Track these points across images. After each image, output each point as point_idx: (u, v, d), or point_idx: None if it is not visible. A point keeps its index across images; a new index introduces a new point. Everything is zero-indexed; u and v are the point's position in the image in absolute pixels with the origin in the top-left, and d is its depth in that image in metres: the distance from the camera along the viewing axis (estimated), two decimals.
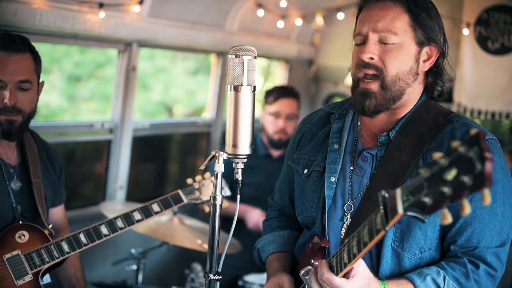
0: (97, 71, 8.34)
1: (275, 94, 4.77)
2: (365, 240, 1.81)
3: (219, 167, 2.05)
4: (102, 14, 3.72)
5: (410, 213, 1.60)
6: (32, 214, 3.02)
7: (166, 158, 5.78)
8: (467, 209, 1.44)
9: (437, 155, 1.50)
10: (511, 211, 2.13)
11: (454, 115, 2.22)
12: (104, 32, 3.89)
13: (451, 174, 1.45)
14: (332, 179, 2.27)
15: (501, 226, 2.12)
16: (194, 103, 8.51)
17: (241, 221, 4.48)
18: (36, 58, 2.98)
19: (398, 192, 1.64)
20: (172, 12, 4.39)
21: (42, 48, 3.24)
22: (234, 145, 2.05)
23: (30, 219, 3.00)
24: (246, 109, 2.04)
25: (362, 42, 2.21)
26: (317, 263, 2.22)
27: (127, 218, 3.04)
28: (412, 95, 2.23)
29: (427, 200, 1.52)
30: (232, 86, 2.03)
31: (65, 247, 2.91)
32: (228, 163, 2.10)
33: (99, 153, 5.10)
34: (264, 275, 2.46)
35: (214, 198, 2.07)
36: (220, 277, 2.08)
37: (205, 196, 3.22)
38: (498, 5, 4.98)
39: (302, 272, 2.12)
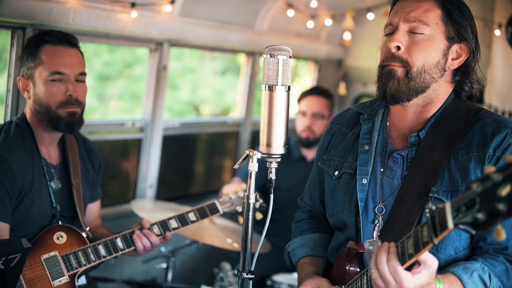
0: (126, 71, 8.42)
1: (304, 93, 4.91)
2: (410, 252, 1.79)
3: (253, 166, 2.06)
4: (134, 13, 3.75)
5: (461, 227, 1.57)
6: (71, 214, 3.05)
7: (193, 158, 5.80)
8: None
9: (489, 169, 1.48)
10: None
11: (485, 112, 2.20)
12: (135, 31, 3.92)
13: (505, 190, 1.43)
14: (364, 181, 2.26)
15: None
16: (221, 103, 8.53)
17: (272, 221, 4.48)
18: (81, 52, 3.03)
19: (448, 206, 1.62)
20: (203, 12, 4.41)
21: None
22: (268, 145, 2.05)
23: (68, 219, 3.03)
24: (281, 109, 2.04)
25: (391, 32, 2.21)
26: (353, 268, 2.21)
27: (164, 226, 3.06)
28: (439, 91, 2.22)
29: (480, 216, 1.50)
30: (267, 86, 2.04)
31: (102, 251, 2.92)
32: (261, 164, 2.10)
33: (128, 151, 5.13)
34: (293, 275, 2.46)
35: (248, 197, 2.07)
36: (253, 276, 2.08)
37: (240, 207, 3.26)
38: None
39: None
